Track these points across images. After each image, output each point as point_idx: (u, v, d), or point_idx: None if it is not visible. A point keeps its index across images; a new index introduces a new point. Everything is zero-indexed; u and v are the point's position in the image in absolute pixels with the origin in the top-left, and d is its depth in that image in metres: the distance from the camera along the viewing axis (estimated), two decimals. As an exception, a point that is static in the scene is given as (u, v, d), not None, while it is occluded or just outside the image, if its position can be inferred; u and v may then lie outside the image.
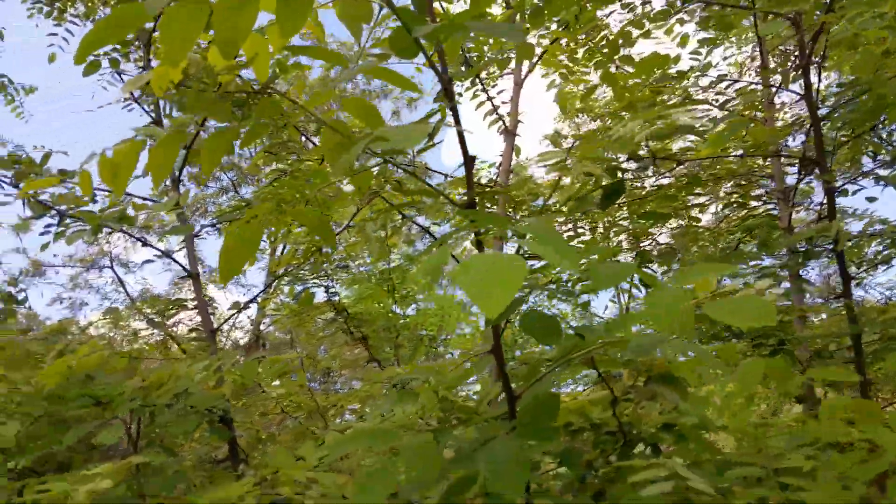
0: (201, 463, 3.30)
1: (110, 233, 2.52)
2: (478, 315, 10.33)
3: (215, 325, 3.14)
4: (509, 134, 3.92)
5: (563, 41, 3.98)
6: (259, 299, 5.91)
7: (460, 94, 4.53)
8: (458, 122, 1.26)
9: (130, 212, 2.59)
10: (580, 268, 0.83)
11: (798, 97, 3.00)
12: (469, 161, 1.30)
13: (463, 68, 4.24)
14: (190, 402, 2.19)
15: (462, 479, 1.32)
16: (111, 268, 14.81)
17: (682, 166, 3.07)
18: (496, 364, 1.39)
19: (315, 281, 5.46)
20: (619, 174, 2.36)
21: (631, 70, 2.89)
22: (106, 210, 2.34)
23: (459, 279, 0.74)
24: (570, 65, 4.51)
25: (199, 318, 5.11)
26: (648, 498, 1.42)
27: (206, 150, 1.16)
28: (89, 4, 5.72)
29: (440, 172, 3.96)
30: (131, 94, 3.13)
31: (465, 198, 1.36)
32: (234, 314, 3.32)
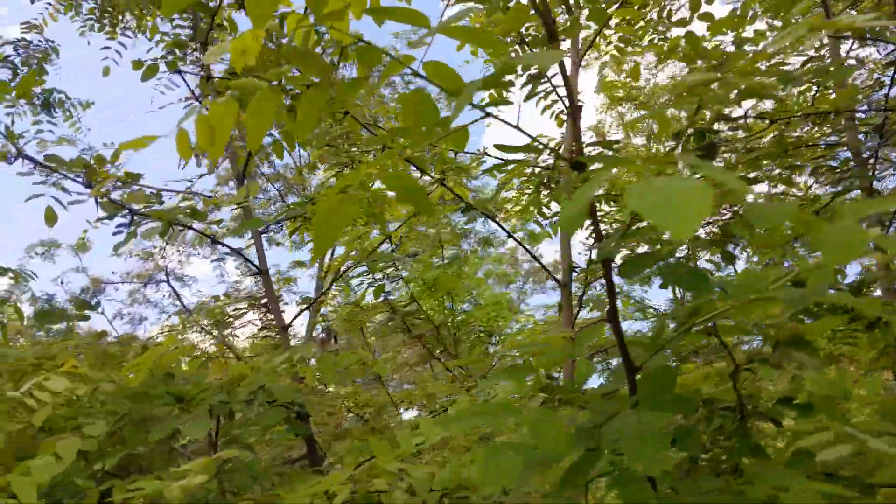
0: (275, 462, 3.26)
1: (182, 230, 2.49)
2: (530, 310, 10.14)
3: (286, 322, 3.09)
4: (573, 112, 3.78)
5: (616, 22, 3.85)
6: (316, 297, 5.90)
7: (511, 83, 4.42)
8: (555, 43, 1.15)
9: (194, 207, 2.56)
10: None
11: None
12: (576, 108, 1.19)
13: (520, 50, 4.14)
14: (270, 397, 2.13)
15: (587, 454, 1.21)
16: (167, 282, 15.14)
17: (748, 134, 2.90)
18: (614, 332, 1.28)
19: (371, 278, 5.41)
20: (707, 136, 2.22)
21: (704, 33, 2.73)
22: (176, 206, 2.31)
23: (637, 203, 0.64)
24: (622, 45, 4.38)
25: (253, 326, 5.09)
26: (788, 473, 1.29)
27: (303, 107, 1.08)
28: (140, 19, 5.81)
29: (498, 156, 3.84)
30: (191, 91, 3.11)
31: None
32: (304, 309, 3.28)
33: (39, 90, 5.51)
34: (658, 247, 1.64)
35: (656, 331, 1.32)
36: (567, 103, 3.95)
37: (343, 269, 4.21)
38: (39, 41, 5.58)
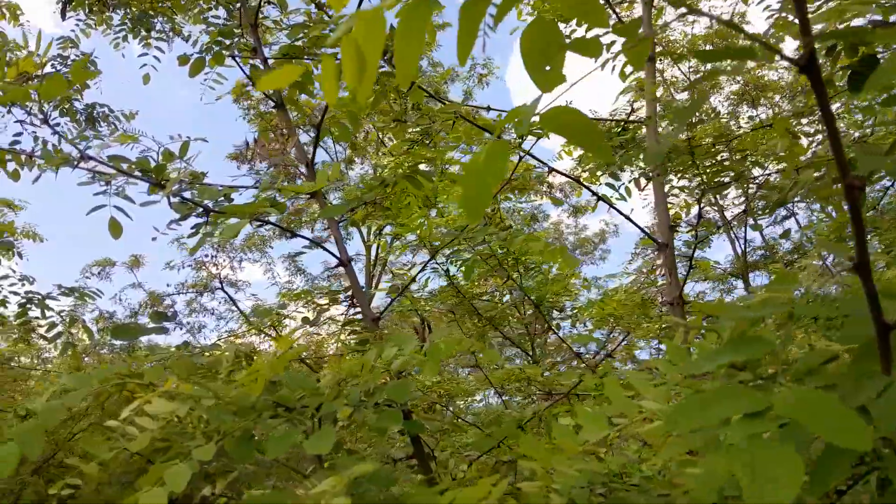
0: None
1: (261, 224, 2.28)
2: (598, 281, 9.80)
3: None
4: (649, 60, 3.46)
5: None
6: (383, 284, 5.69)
7: (568, 36, 4.11)
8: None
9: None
10: None
11: None
12: (803, -6, 0.90)
13: None
14: (386, 395, 1.91)
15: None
16: (222, 288, 15.28)
17: None
18: (863, 282, 0.99)
19: (436, 265, 5.17)
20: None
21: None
22: (256, 199, 2.10)
23: None
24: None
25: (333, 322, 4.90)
26: None
27: (465, 20, 0.82)
28: (173, 21, 5.65)
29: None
30: (248, 77, 2.88)
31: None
32: (394, 298, 3.06)
33: (82, 105, 5.42)
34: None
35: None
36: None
37: (434, 253, 3.93)
38: (76, 55, 5.48)
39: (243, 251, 16.31)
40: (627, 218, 3.20)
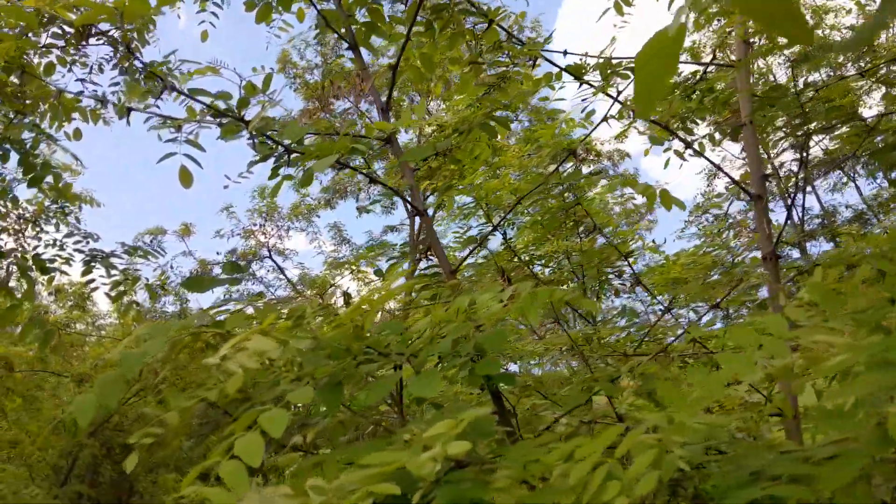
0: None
1: (342, 167, 2.18)
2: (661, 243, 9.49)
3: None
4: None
5: None
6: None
7: None
8: None
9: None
10: None
11: None
12: None
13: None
14: (480, 344, 1.80)
15: None
16: (270, 257, 15.44)
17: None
18: None
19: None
20: None
21: None
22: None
23: None
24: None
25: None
26: None
27: None
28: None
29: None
30: (323, 18, 2.75)
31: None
32: (472, 250, 2.94)
33: (141, 64, 5.39)
34: None
35: None
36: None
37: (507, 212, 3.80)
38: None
39: (290, 220, 16.41)
40: (718, 167, 3.00)
